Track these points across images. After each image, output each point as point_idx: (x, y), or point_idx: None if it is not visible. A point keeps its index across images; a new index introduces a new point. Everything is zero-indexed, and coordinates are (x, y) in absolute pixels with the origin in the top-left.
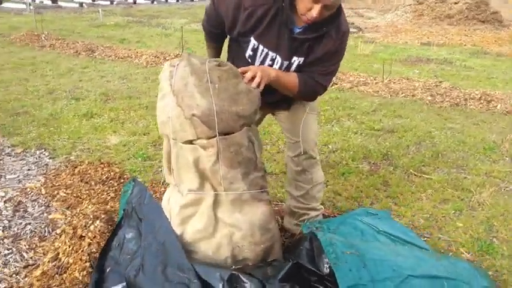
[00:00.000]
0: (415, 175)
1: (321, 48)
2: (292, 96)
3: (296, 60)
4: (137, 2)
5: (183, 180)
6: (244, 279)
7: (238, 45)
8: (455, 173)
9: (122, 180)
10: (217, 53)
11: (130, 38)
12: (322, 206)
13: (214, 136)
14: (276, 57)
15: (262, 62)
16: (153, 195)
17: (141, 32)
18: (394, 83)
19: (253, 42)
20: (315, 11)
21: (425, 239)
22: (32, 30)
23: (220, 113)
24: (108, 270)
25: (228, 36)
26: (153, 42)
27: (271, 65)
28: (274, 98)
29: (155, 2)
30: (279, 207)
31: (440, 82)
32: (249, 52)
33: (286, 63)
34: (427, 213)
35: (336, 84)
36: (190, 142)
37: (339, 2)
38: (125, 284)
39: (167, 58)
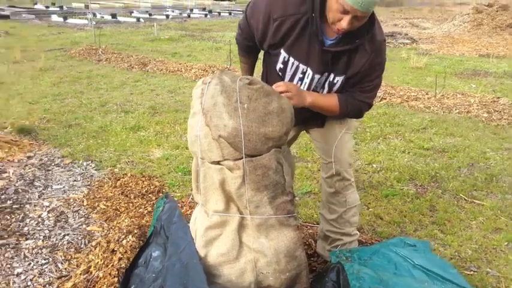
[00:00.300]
0: (466, 200)
1: (356, 63)
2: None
3: (336, 79)
4: (191, 16)
5: (209, 200)
6: None
7: (270, 58)
8: (511, 199)
9: (160, 194)
10: (250, 69)
11: (182, 52)
12: (357, 232)
13: (241, 158)
14: (306, 70)
15: (293, 75)
16: (188, 212)
17: (192, 46)
18: (448, 98)
19: (283, 54)
20: (345, 21)
21: (472, 272)
22: (91, 44)
23: (247, 134)
24: (132, 287)
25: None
26: (204, 56)
27: (301, 78)
28: (306, 114)
29: (208, 16)
30: (314, 229)
31: (499, 98)
32: (279, 65)
33: (317, 76)
34: (476, 243)
35: (385, 99)
36: (218, 162)
37: (370, 11)
38: None
39: (215, 71)
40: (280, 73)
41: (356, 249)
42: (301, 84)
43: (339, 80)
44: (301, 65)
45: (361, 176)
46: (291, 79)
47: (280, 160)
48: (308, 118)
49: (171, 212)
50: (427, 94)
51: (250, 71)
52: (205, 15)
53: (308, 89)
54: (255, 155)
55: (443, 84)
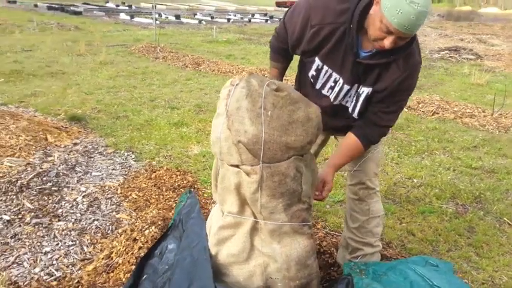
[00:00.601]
0: (509, 224)
1: (386, 78)
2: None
3: (364, 91)
4: (252, 21)
5: (225, 201)
6: None
7: (304, 64)
8: None
9: (193, 190)
10: (280, 75)
11: (237, 54)
12: (379, 244)
13: (259, 163)
14: (339, 79)
15: (325, 83)
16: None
17: (247, 49)
18: (506, 117)
19: (317, 62)
20: (388, 41)
21: None
22: (151, 42)
23: (268, 143)
24: (144, 277)
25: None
26: (257, 59)
27: (332, 87)
28: (335, 123)
29: (269, 22)
30: (339, 239)
31: None
32: (312, 72)
33: (347, 87)
34: None
35: (437, 113)
36: (236, 166)
37: (414, 32)
38: None
39: (265, 75)
40: (312, 80)
41: (372, 263)
42: (331, 92)
43: (365, 91)
44: (334, 74)
45: (398, 190)
46: (322, 86)
47: (300, 168)
48: (338, 128)
49: (192, 207)
50: (483, 112)
51: (280, 76)
52: (266, 20)
53: (336, 97)
54: (274, 163)
55: (503, 103)
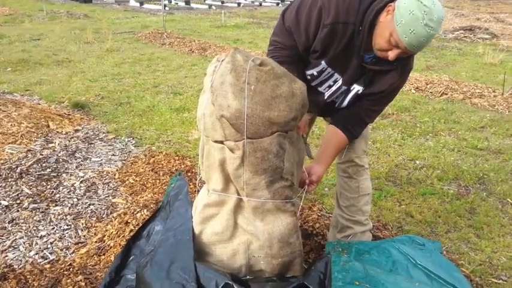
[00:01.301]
0: None
1: (382, 82)
2: None
3: (355, 88)
4: (263, 4)
5: (211, 178)
6: None
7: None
8: None
9: (190, 174)
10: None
11: (244, 39)
12: (370, 222)
13: (243, 139)
14: (339, 79)
15: (324, 82)
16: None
17: (256, 33)
18: None
19: (323, 65)
20: (393, 54)
21: (500, 281)
22: (158, 29)
23: (251, 117)
24: (131, 258)
25: None
26: (264, 43)
27: (330, 86)
28: (320, 106)
29: (280, 5)
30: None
31: None
32: (313, 71)
33: (344, 88)
34: None
35: (446, 94)
36: (220, 142)
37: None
38: None
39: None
40: (310, 77)
41: (356, 242)
42: (327, 90)
43: (356, 89)
44: (336, 74)
45: (400, 171)
46: (320, 84)
47: (284, 145)
48: (323, 110)
49: (180, 189)
50: (494, 92)
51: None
52: (277, 3)
53: (331, 96)
54: (257, 138)
55: None
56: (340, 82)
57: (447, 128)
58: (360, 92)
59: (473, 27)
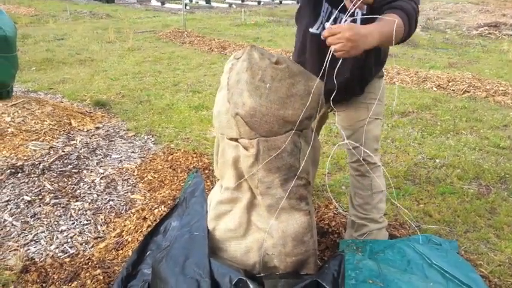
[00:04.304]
0: None
1: None
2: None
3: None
4: (283, 2)
5: (224, 175)
6: (251, 287)
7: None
8: None
9: (207, 171)
10: None
11: (264, 37)
12: (385, 220)
13: (257, 137)
14: (339, 16)
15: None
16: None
17: (275, 31)
18: None
19: (326, 5)
20: None
21: None
22: (178, 27)
23: (265, 115)
24: (148, 253)
25: None
26: (284, 42)
27: (335, 19)
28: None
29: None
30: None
31: None
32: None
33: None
34: None
35: (468, 92)
36: (235, 140)
37: None
38: None
39: (290, 58)
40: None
41: (371, 240)
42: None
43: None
44: (334, 11)
45: (419, 170)
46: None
47: (298, 144)
48: (331, 91)
49: (196, 186)
50: None
51: None
52: (298, 1)
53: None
54: (271, 136)
55: None
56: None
57: (469, 127)
58: (364, 11)
59: (498, 24)
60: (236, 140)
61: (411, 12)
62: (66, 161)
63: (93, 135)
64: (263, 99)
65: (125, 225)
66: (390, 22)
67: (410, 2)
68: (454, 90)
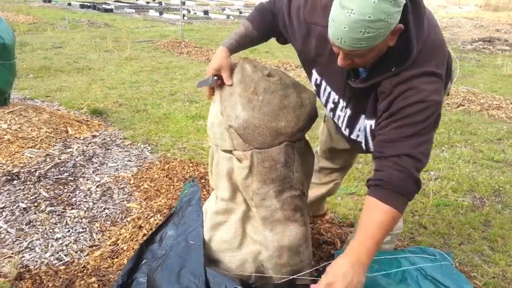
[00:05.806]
0: None
1: (379, 104)
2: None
3: (367, 122)
4: None
5: (219, 186)
6: None
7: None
8: None
9: (203, 181)
10: (245, 43)
11: (261, 48)
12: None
13: (251, 149)
14: (339, 100)
15: (326, 102)
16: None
17: (272, 43)
18: None
19: (315, 75)
20: (340, 58)
21: None
22: (176, 38)
23: (258, 128)
24: (144, 262)
25: None
26: (281, 53)
27: (333, 109)
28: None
29: None
30: (344, 230)
31: None
32: (313, 85)
33: (349, 112)
34: None
35: (463, 105)
36: (229, 152)
37: (361, 48)
38: None
39: (287, 68)
40: (315, 92)
41: None
42: (333, 115)
43: (369, 124)
44: (332, 93)
45: None
46: (325, 104)
47: (292, 155)
48: (358, 148)
49: (193, 195)
50: None
51: (242, 45)
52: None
53: (346, 126)
54: (265, 148)
55: None
56: (343, 105)
57: (463, 140)
58: (372, 126)
59: (492, 39)
60: (230, 152)
61: (405, 180)
62: (62, 168)
63: (90, 143)
64: (256, 112)
65: (120, 234)
66: (379, 219)
67: (412, 161)
68: (448, 103)
